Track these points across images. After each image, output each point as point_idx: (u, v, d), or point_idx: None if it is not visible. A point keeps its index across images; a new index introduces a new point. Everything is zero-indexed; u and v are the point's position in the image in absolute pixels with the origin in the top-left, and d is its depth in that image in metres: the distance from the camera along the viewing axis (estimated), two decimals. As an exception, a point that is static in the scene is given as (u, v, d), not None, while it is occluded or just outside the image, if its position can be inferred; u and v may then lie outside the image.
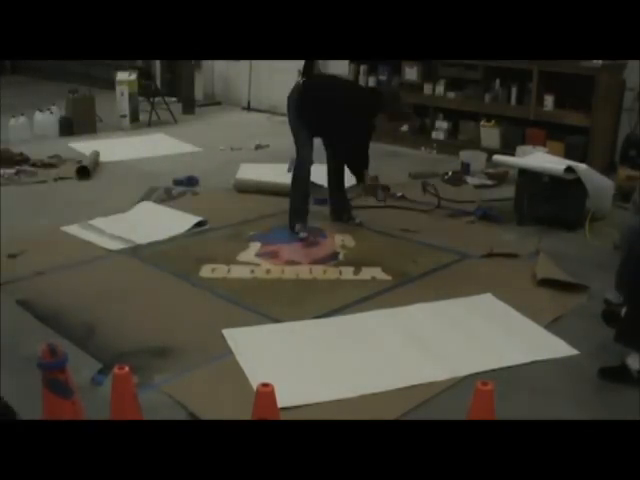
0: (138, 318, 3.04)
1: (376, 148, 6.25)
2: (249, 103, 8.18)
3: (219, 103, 8.53)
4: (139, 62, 7.69)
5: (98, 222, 4.19)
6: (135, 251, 3.80)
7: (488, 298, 3.26)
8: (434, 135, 6.33)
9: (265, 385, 1.98)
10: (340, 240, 4.06)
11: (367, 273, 3.58)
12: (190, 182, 5.18)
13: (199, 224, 4.25)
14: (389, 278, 3.52)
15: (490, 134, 5.88)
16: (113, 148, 6.16)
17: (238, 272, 3.58)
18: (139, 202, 4.65)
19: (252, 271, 3.60)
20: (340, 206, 4.29)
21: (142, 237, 3.97)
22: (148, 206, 4.58)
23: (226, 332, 2.88)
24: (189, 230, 4.16)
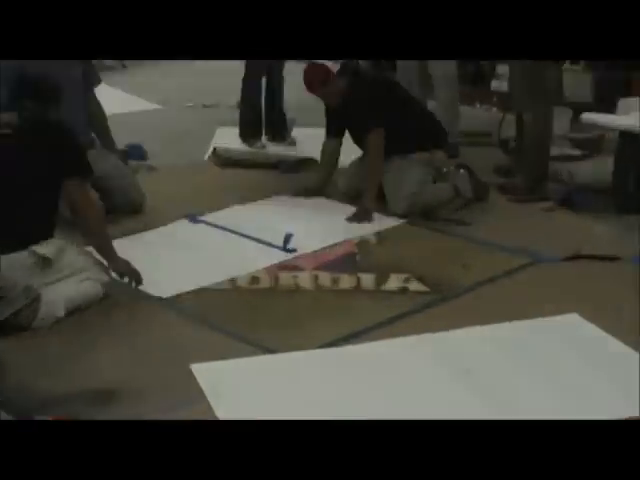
0: (75, 349, 3.07)
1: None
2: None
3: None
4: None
5: None
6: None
7: (573, 320, 3.26)
8: (494, 85, 6.30)
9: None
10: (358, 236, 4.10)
11: (396, 282, 3.59)
12: (135, 154, 5.19)
13: None
14: (427, 290, 3.53)
15: (577, 82, 5.86)
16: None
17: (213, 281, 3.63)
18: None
19: (233, 279, 3.62)
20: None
21: None
22: None
23: (196, 368, 2.90)
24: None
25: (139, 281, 3.47)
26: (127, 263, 3.47)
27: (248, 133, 5.66)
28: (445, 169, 4.60)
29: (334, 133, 4.63)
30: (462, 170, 4.61)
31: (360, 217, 4.33)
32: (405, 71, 5.40)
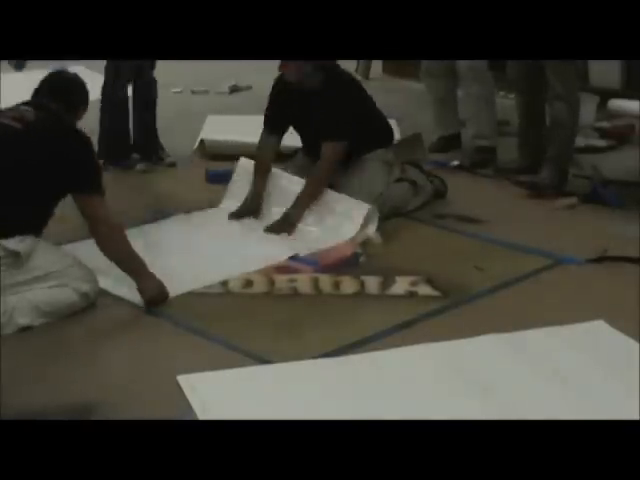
0: (52, 359, 3.05)
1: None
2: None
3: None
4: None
5: None
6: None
7: (599, 327, 3.24)
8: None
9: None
10: (362, 235, 4.05)
11: (403, 286, 3.59)
12: None
13: None
14: (438, 294, 3.53)
15: (605, 66, 5.78)
16: (12, 88, 6.13)
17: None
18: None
19: (225, 283, 3.62)
20: None
21: None
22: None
23: (183, 379, 2.88)
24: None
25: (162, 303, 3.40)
26: (158, 286, 3.39)
27: (112, 152, 4.96)
28: (398, 169, 4.44)
29: (276, 129, 4.28)
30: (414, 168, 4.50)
31: (281, 228, 4.05)
32: None
